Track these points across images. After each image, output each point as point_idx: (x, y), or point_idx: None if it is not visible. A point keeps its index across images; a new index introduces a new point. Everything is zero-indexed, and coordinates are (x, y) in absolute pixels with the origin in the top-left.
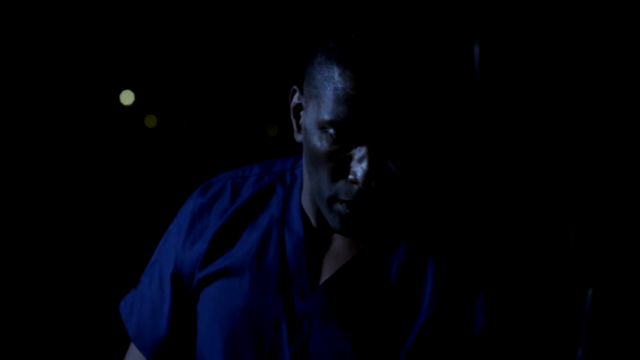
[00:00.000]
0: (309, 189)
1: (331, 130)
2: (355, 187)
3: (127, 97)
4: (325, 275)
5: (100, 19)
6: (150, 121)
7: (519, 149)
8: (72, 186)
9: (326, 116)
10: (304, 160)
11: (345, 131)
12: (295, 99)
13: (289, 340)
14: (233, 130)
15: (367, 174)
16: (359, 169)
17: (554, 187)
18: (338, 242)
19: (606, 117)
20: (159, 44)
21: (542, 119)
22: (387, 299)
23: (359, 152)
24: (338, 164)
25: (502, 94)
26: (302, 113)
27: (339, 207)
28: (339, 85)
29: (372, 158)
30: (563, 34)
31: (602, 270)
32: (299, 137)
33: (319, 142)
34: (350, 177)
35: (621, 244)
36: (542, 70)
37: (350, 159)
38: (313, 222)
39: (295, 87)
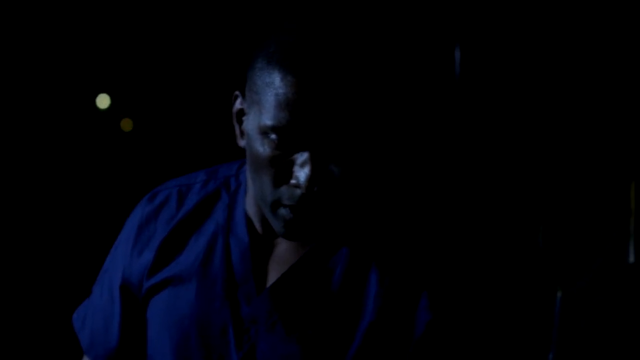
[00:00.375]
0: (253, 194)
1: (273, 136)
2: (298, 191)
3: (103, 101)
4: (271, 280)
5: (76, 22)
6: (127, 125)
7: (495, 150)
8: (47, 189)
9: (268, 122)
10: (247, 166)
11: (287, 136)
12: (237, 104)
13: (236, 346)
14: (211, 134)
15: (310, 179)
16: (301, 174)
17: (522, 189)
18: (283, 246)
19: (576, 120)
20: (135, 47)
21: (518, 121)
22: (332, 302)
23: (301, 156)
24: (281, 169)
25: (481, 98)
26: (244, 118)
27: (282, 211)
28: (280, 91)
29: (315, 162)
30: (543, 38)
31: (571, 271)
32: (241, 143)
33: (262, 148)
34: (293, 181)
35: (589, 245)
36: (518, 75)
37: (292, 163)
38: (258, 227)
39: (237, 92)
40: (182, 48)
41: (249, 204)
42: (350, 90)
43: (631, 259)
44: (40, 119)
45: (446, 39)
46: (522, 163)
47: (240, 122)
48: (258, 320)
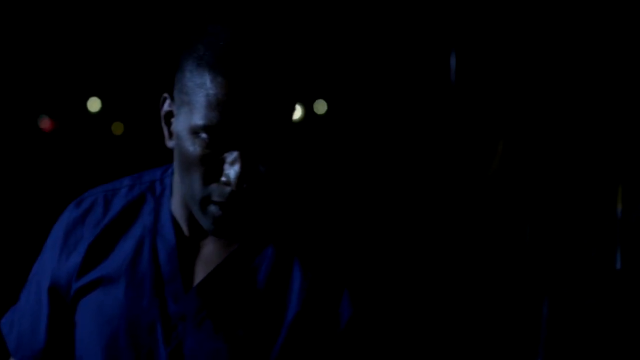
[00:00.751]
0: (181, 194)
1: (204, 135)
2: (228, 189)
3: (94, 104)
4: (198, 279)
5: (68, 27)
6: (118, 128)
7: (487, 155)
8: (38, 191)
9: (199, 121)
10: (175, 166)
11: (218, 135)
12: (166, 107)
13: (164, 342)
14: None
15: (240, 176)
16: (231, 172)
17: (512, 194)
18: (210, 246)
19: (566, 127)
20: (126, 51)
21: (510, 127)
22: (258, 298)
23: (231, 155)
24: (211, 167)
25: (477, 103)
26: (173, 120)
27: (212, 208)
28: (211, 92)
29: (244, 161)
30: (537, 44)
31: (558, 277)
32: (170, 144)
33: (192, 147)
34: (223, 179)
35: (576, 251)
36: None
37: (222, 162)
38: (185, 229)
39: (165, 94)
40: (173, 53)
41: (176, 206)
42: (277, 91)
43: (618, 265)
44: (32, 121)
45: (442, 46)
46: (513, 168)
47: (169, 124)
48: (186, 317)
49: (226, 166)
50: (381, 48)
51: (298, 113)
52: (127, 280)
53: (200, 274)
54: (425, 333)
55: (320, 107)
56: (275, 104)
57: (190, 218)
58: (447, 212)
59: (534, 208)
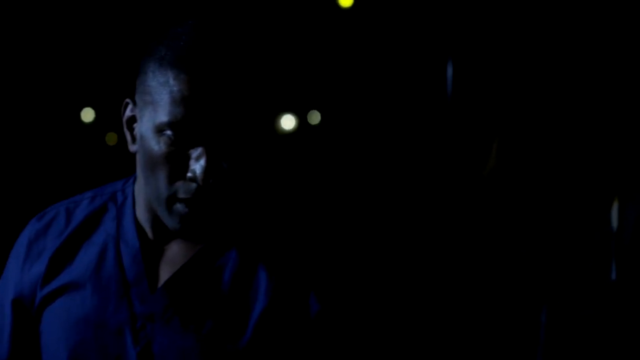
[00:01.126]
0: (146, 198)
1: (169, 132)
2: (194, 185)
3: (87, 115)
4: (164, 279)
5: (61, 36)
6: (111, 139)
7: (484, 165)
8: (31, 202)
9: (164, 118)
10: (139, 169)
11: (183, 132)
12: (128, 112)
13: (133, 343)
14: None
15: (206, 171)
16: (197, 167)
17: (509, 204)
18: (174, 248)
19: (562, 139)
20: (120, 61)
21: (506, 137)
22: (224, 296)
23: (197, 151)
24: (176, 164)
25: (473, 116)
26: (135, 125)
27: (178, 206)
28: (175, 88)
29: (210, 156)
30: (534, 53)
31: (555, 288)
32: (133, 148)
33: (157, 146)
34: (189, 175)
35: (572, 263)
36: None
37: (188, 158)
38: (149, 233)
39: (127, 100)
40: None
41: (139, 212)
42: (240, 86)
43: (613, 276)
44: (26, 132)
45: (438, 55)
46: (509, 175)
47: (132, 129)
48: (154, 316)
49: (192, 162)
50: (376, 58)
51: (292, 123)
52: (92, 285)
53: (165, 275)
54: (421, 338)
55: (314, 117)
56: (238, 99)
57: (154, 222)
58: (443, 219)
59: (528, 219)
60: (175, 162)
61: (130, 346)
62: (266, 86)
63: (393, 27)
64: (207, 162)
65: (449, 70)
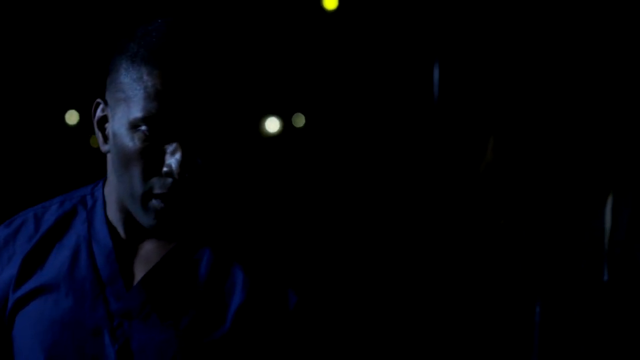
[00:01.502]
0: (118, 197)
1: (144, 127)
2: (170, 180)
3: (72, 117)
4: (139, 277)
5: (45, 38)
6: (96, 141)
7: (476, 166)
8: (15, 204)
9: (138, 114)
10: (112, 169)
11: (158, 127)
12: (99, 112)
13: (112, 341)
14: None
15: (182, 165)
16: (173, 161)
17: (501, 205)
18: (148, 247)
19: (553, 140)
20: (105, 64)
21: (495, 138)
22: (200, 290)
23: (172, 146)
24: (151, 160)
25: (459, 119)
26: (107, 125)
27: (154, 202)
28: (149, 84)
29: (185, 150)
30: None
31: (548, 288)
32: (105, 147)
33: (132, 142)
34: (165, 169)
35: (565, 263)
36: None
37: (163, 154)
38: (122, 233)
39: (98, 100)
40: None
41: (111, 213)
42: (213, 81)
43: (605, 277)
44: (10, 134)
45: (425, 58)
46: (502, 175)
47: (103, 129)
48: (131, 313)
49: (167, 157)
50: (361, 60)
51: (276, 126)
52: (66, 286)
53: (140, 273)
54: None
55: (299, 120)
56: (212, 93)
57: (127, 222)
58: (429, 220)
59: (521, 219)
60: (150, 157)
61: (109, 344)
62: (239, 82)
63: (378, 30)
64: (183, 156)
65: (436, 73)
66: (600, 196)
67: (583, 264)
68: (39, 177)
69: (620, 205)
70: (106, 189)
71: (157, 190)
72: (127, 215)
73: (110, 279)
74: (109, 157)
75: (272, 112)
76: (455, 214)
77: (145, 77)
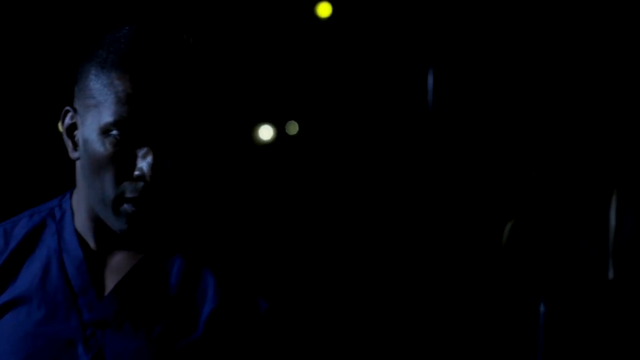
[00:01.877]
0: (88, 204)
1: (115, 132)
2: (141, 184)
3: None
4: (111, 287)
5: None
6: None
7: (471, 164)
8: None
9: (109, 118)
10: (82, 176)
11: (129, 131)
12: (67, 120)
13: (85, 351)
14: None
15: (153, 168)
16: (144, 164)
17: (501, 203)
18: (118, 257)
19: (552, 139)
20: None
21: (492, 140)
22: (172, 297)
23: (143, 150)
24: (122, 164)
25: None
26: (76, 132)
27: (125, 207)
28: (120, 88)
29: (156, 153)
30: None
31: (553, 286)
32: (75, 154)
33: (103, 147)
34: (137, 173)
35: (569, 261)
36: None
37: (134, 158)
38: (91, 243)
39: (67, 107)
40: None
41: (80, 224)
42: (184, 85)
43: (610, 275)
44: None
45: (419, 66)
46: (503, 177)
47: (72, 137)
48: (104, 323)
49: (138, 160)
50: (355, 68)
51: (269, 134)
52: (38, 298)
53: (111, 283)
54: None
55: (292, 128)
56: (182, 97)
57: (97, 231)
58: (428, 228)
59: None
60: (122, 162)
61: (82, 354)
62: (209, 86)
63: (372, 37)
64: (154, 159)
65: (430, 80)
66: (605, 194)
67: (587, 261)
68: (31, 182)
69: (625, 203)
70: (74, 200)
71: (128, 195)
72: (97, 224)
73: (82, 289)
74: (79, 164)
75: (266, 120)
76: (450, 221)
77: (115, 82)
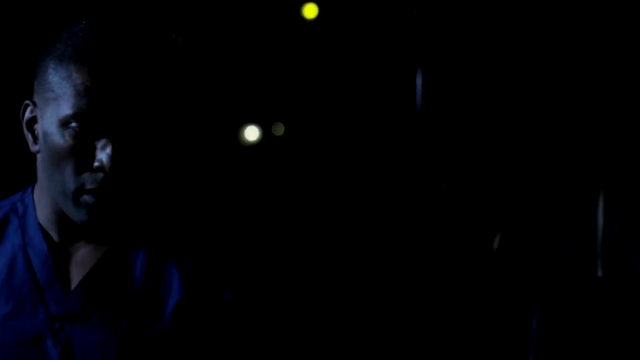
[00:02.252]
0: (50, 197)
1: (74, 124)
2: (100, 174)
3: None
4: (76, 280)
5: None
6: None
7: (466, 165)
8: None
9: (68, 111)
10: (42, 169)
11: (88, 123)
12: (27, 114)
13: (54, 344)
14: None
15: (112, 159)
16: (104, 155)
17: (488, 205)
18: (82, 250)
19: (542, 138)
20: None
21: (482, 139)
22: (137, 289)
23: (102, 141)
24: (82, 156)
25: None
26: (36, 125)
27: (85, 198)
28: (78, 81)
29: (115, 145)
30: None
31: (543, 287)
32: (35, 148)
33: (62, 140)
34: (96, 164)
35: (558, 261)
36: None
37: (93, 149)
38: (55, 237)
39: (27, 101)
40: None
41: (42, 217)
42: (140, 79)
43: (599, 274)
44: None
45: (407, 66)
46: (488, 180)
47: (32, 130)
48: (71, 316)
49: (98, 152)
50: (342, 68)
51: (255, 135)
52: (5, 294)
53: (77, 276)
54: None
55: (278, 129)
56: (139, 89)
57: (60, 224)
58: (415, 231)
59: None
60: (81, 154)
61: (51, 347)
62: (165, 78)
63: (359, 38)
64: (113, 150)
65: (418, 81)
66: (592, 194)
67: (576, 261)
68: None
69: (612, 203)
70: (35, 194)
71: (88, 186)
72: (60, 217)
73: (47, 283)
74: (39, 157)
75: (252, 121)
76: (439, 222)
77: (74, 75)
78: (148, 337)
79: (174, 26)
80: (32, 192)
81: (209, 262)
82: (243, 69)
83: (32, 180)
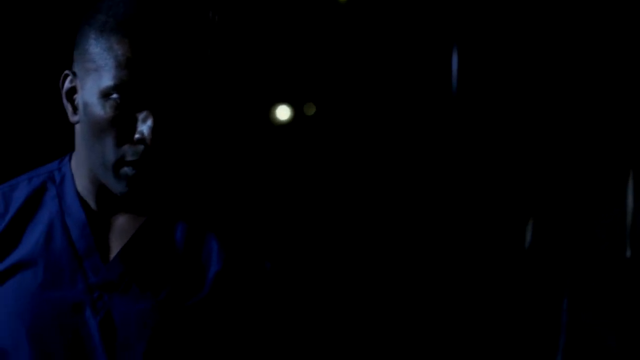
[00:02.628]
0: (89, 167)
1: (115, 96)
2: (141, 147)
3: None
4: (115, 250)
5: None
6: None
7: (491, 152)
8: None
9: (109, 82)
10: (82, 140)
11: (129, 95)
12: (67, 84)
13: (93, 314)
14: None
15: (153, 131)
16: (145, 127)
17: (518, 189)
18: (121, 220)
19: (572, 119)
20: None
21: (513, 122)
22: (177, 260)
23: (143, 113)
24: (123, 128)
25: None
26: (76, 96)
27: (125, 169)
28: (119, 52)
29: (156, 117)
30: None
31: (573, 270)
32: (74, 118)
33: (103, 111)
34: (137, 136)
35: (587, 242)
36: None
37: (134, 121)
38: (93, 206)
39: (67, 71)
40: None
41: (81, 186)
42: (182, 50)
43: (628, 253)
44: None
45: (442, 47)
46: (518, 165)
47: (72, 100)
48: (110, 286)
49: (139, 124)
50: (376, 49)
51: (287, 114)
52: (43, 262)
53: (115, 246)
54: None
55: (310, 109)
56: (181, 61)
57: (98, 194)
58: (447, 214)
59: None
60: (122, 125)
61: (90, 317)
62: (208, 50)
63: (394, 18)
64: (154, 122)
65: (454, 63)
66: (621, 175)
67: (606, 243)
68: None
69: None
70: (73, 163)
71: (129, 158)
72: (98, 187)
73: (86, 252)
74: (78, 128)
75: (283, 100)
76: (472, 208)
77: (115, 46)
78: (187, 307)
79: (211, 4)
80: (70, 161)
81: (247, 234)
82: (275, 49)
83: (67, 148)
